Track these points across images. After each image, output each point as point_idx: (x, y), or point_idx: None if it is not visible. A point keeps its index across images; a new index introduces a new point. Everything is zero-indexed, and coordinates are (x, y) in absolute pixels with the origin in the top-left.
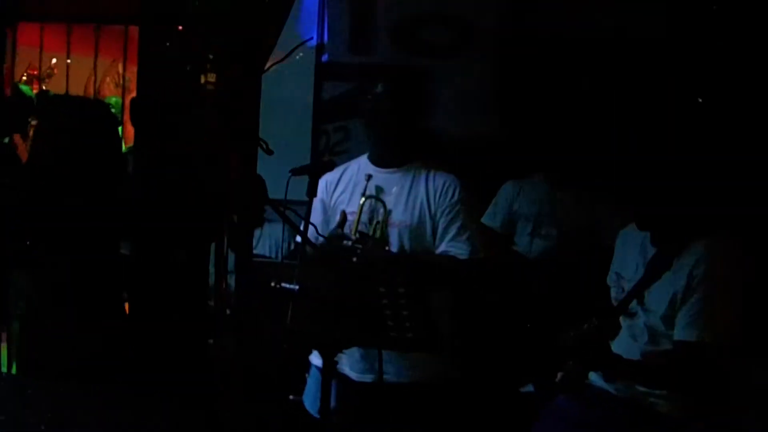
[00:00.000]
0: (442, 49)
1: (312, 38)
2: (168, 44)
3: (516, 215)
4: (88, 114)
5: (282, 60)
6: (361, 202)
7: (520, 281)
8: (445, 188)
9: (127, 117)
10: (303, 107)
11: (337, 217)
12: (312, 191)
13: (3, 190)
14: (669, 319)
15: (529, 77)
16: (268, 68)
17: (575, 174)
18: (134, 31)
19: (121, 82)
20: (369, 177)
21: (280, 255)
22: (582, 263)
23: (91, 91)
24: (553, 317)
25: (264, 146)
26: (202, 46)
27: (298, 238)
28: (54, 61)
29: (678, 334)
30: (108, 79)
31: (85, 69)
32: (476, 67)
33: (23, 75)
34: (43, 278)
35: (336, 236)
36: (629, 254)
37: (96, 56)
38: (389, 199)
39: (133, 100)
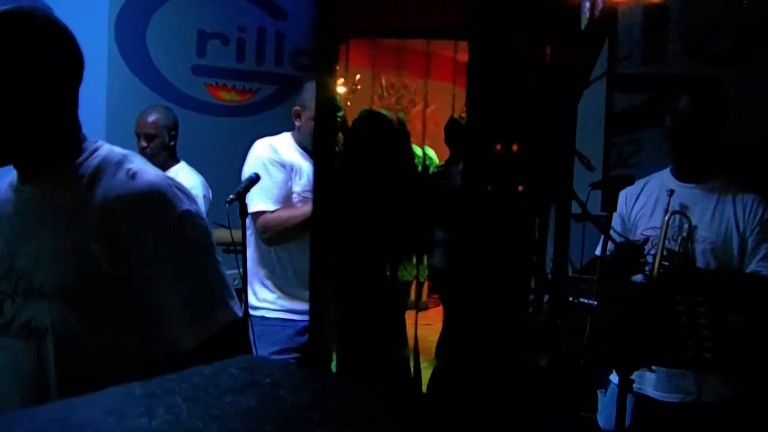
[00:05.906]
0: (731, 55)
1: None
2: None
3: None
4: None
5: (600, 77)
6: (667, 217)
7: None
8: (754, 207)
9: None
10: (593, 120)
11: (637, 232)
12: (611, 205)
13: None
14: None
15: None
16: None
17: None
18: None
19: (385, 94)
20: (671, 192)
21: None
22: None
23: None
24: None
25: (585, 161)
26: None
27: (596, 252)
28: (358, 77)
29: None
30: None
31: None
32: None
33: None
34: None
35: (629, 249)
36: None
37: (400, 73)
38: (694, 216)
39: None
